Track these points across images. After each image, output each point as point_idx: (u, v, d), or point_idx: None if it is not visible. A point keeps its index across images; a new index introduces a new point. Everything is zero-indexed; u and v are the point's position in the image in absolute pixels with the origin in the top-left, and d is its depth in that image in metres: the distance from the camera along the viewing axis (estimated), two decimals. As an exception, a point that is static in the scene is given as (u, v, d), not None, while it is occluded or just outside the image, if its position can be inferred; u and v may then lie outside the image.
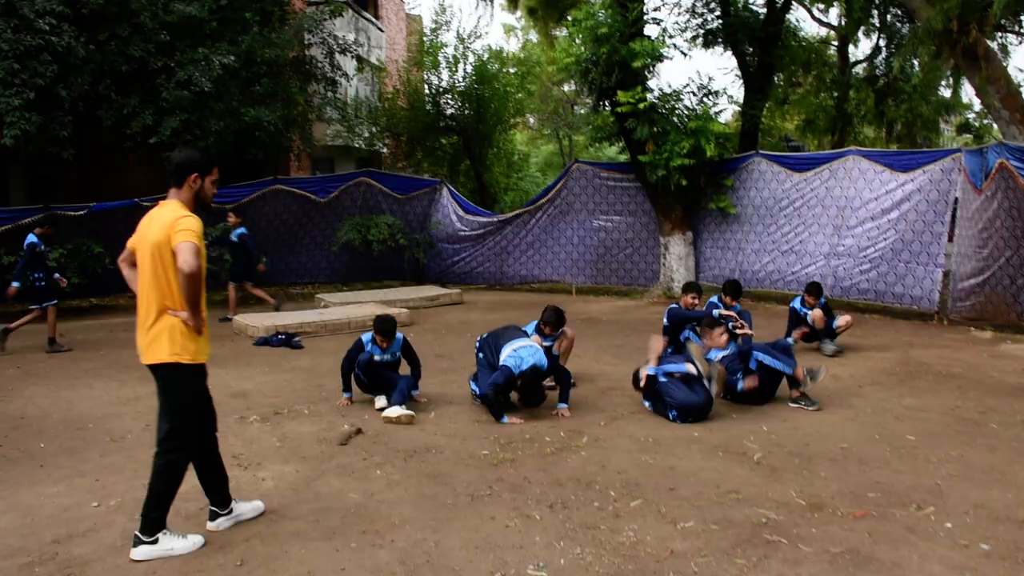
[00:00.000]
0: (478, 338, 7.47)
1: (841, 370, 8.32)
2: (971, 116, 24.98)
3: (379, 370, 7.11)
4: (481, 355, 7.21)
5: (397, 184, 16.59)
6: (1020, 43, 21.07)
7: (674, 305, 8.69)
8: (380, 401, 7.03)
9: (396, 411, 6.63)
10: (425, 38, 21.97)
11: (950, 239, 11.61)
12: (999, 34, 18.90)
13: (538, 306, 13.39)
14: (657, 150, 13.32)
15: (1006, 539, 4.23)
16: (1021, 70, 29.98)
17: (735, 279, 10.02)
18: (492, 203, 20.30)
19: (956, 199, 11.44)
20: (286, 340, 10.25)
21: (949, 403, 7.03)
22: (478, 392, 6.95)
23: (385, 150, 22.76)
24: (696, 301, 8.60)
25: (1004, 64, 18.88)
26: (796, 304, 9.66)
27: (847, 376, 8.10)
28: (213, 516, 4.46)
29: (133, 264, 4.22)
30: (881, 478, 5.17)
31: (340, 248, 15.56)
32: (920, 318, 11.43)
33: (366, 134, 21.25)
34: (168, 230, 3.98)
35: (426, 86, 21.13)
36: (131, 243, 4.23)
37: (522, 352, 6.68)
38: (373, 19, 24.99)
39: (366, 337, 7.14)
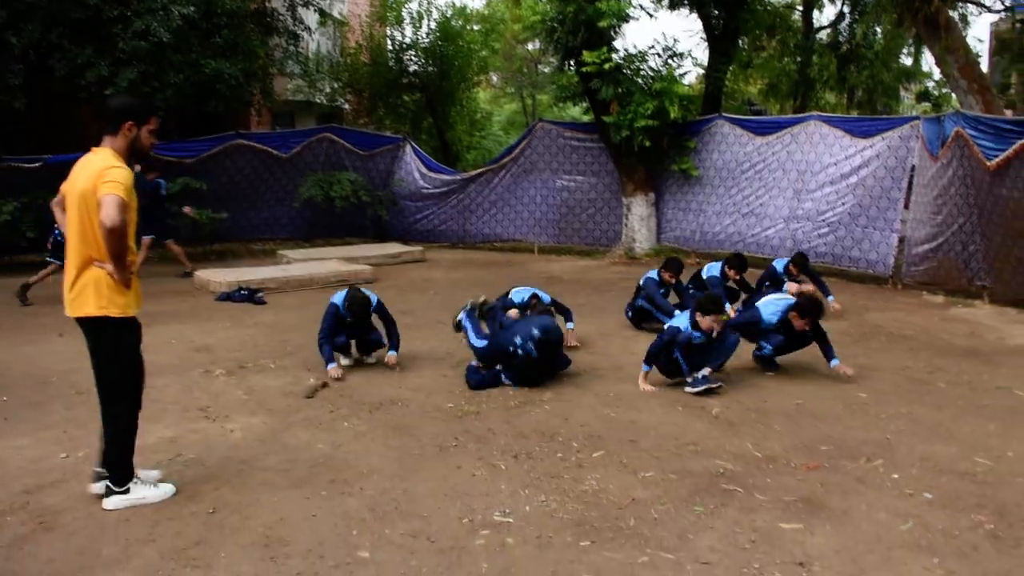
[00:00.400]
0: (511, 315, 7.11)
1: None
2: (931, 84, 25.33)
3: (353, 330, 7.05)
4: (504, 334, 6.59)
5: (360, 140, 16.45)
6: (980, 14, 21.36)
7: (652, 275, 8.61)
8: (343, 361, 7.02)
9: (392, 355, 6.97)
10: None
11: (906, 205, 11.84)
12: (960, 4, 19.18)
13: (500, 265, 13.65)
14: (621, 111, 13.34)
15: (948, 489, 4.44)
16: (980, 40, 30.40)
17: (739, 253, 9.75)
18: (455, 161, 20.26)
19: (913, 166, 11.65)
20: (248, 296, 10.22)
21: (900, 363, 7.27)
22: (471, 332, 6.91)
23: (347, 106, 22.54)
24: (674, 280, 8.61)
25: (964, 34, 19.22)
26: (779, 266, 9.50)
27: (803, 336, 8.32)
28: (97, 477, 4.27)
29: (65, 208, 4.09)
30: (833, 432, 5.37)
31: (302, 204, 15.41)
32: (875, 282, 11.70)
33: (328, 89, 21.02)
34: (95, 180, 3.85)
35: (389, 42, 20.90)
36: (63, 187, 4.10)
37: (519, 374, 6.42)
38: (335, -30, 24.55)
39: (338, 298, 6.88)
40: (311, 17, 18.68)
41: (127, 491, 4.14)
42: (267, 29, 16.29)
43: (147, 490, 4.20)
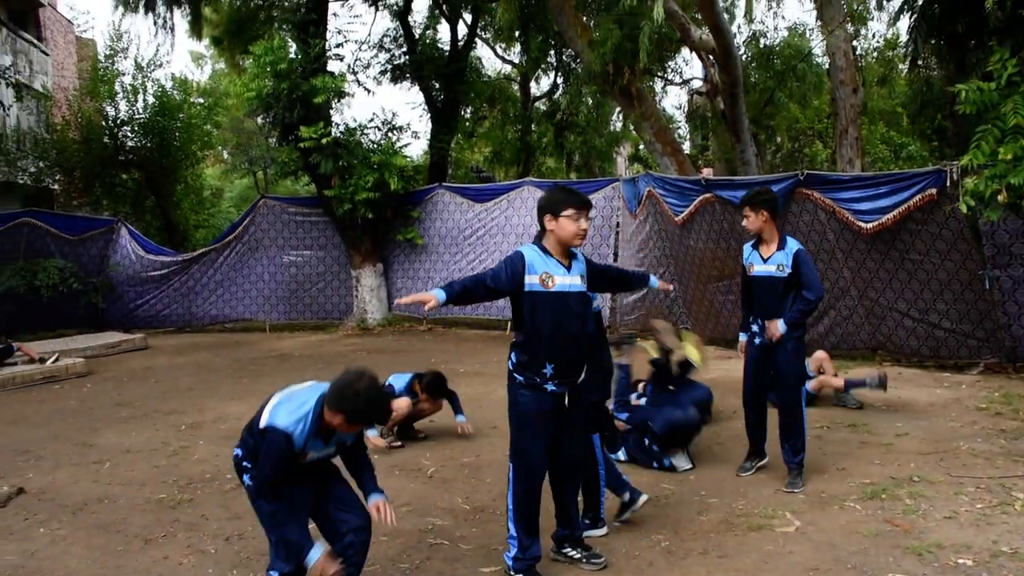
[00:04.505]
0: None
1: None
2: (642, 147, 27.86)
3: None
4: None
5: (68, 224, 15.38)
6: (664, 86, 24.15)
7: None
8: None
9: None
10: (99, 65, 20.57)
11: (615, 259, 12.97)
12: (651, 77, 21.62)
13: (229, 346, 13.25)
14: (342, 184, 13.54)
15: (637, 514, 4.91)
16: (677, 108, 34.24)
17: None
18: (182, 241, 19.37)
19: (618, 223, 12.81)
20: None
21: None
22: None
23: (57, 187, 20.92)
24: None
25: (657, 103, 21.60)
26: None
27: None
28: None
29: None
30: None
31: (1, 296, 14.10)
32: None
33: (32, 169, 19.43)
34: None
35: (102, 117, 19.78)
36: None
37: None
38: (35, 41, 22.91)
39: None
40: (5, 91, 17.30)
41: None
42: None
43: None
